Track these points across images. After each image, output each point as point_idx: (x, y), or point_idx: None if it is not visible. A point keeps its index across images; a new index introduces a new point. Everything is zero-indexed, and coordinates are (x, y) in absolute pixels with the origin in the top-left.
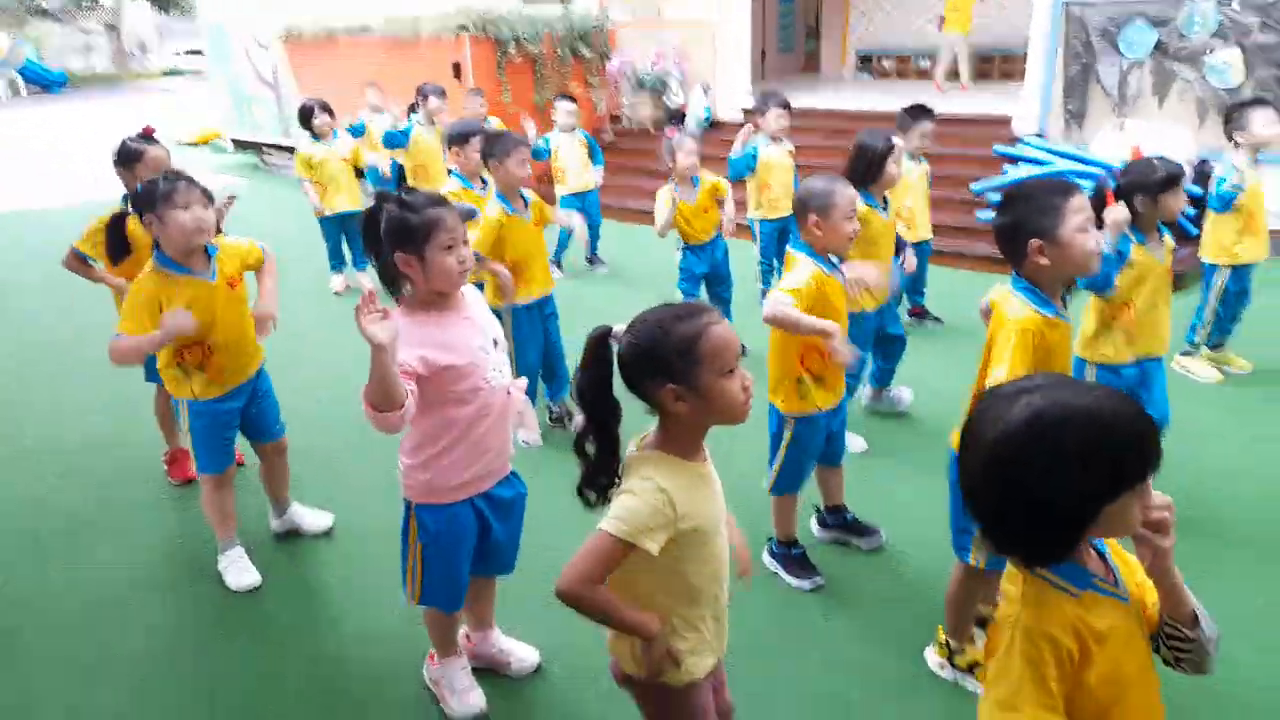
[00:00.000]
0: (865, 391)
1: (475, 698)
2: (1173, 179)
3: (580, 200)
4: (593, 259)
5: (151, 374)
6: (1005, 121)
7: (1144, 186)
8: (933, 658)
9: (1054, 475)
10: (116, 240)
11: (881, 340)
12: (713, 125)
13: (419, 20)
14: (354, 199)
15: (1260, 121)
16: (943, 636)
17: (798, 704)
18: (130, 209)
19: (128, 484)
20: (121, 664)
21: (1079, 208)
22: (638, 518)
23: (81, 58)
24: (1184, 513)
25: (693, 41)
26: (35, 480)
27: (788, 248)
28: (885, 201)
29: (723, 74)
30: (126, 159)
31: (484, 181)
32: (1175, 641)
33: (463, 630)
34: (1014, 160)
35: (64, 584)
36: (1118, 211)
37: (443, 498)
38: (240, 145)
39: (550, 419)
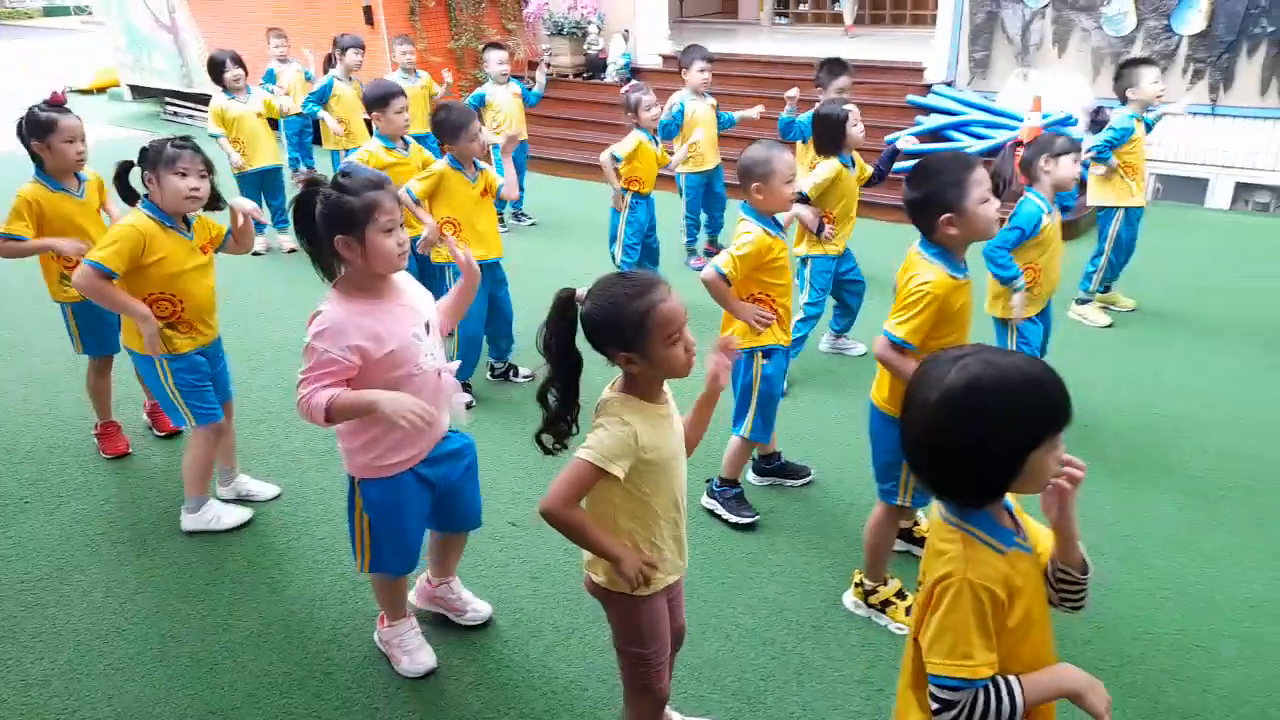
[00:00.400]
0: (826, 336)
1: (425, 656)
2: (1071, 146)
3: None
4: (519, 214)
5: (90, 346)
6: (918, 70)
7: (1044, 147)
8: (849, 599)
9: (987, 430)
10: (126, 188)
11: (841, 284)
12: (633, 72)
13: None
14: (273, 154)
15: (1148, 79)
16: (858, 577)
17: (724, 641)
18: (38, 175)
19: (57, 459)
20: (69, 633)
21: (980, 180)
22: (608, 447)
23: None
24: (1082, 430)
25: None
26: None
27: (739, 212)
28: (854, 161)
29: (641, 19)
30: (38, 130)
31: (405, 142)
32: (1064, 585)
33: (424, 575)
34: (927, 110)
35: (1, 561)
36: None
37: (384, 472)
38: (138, 92)
39: (492, 374)
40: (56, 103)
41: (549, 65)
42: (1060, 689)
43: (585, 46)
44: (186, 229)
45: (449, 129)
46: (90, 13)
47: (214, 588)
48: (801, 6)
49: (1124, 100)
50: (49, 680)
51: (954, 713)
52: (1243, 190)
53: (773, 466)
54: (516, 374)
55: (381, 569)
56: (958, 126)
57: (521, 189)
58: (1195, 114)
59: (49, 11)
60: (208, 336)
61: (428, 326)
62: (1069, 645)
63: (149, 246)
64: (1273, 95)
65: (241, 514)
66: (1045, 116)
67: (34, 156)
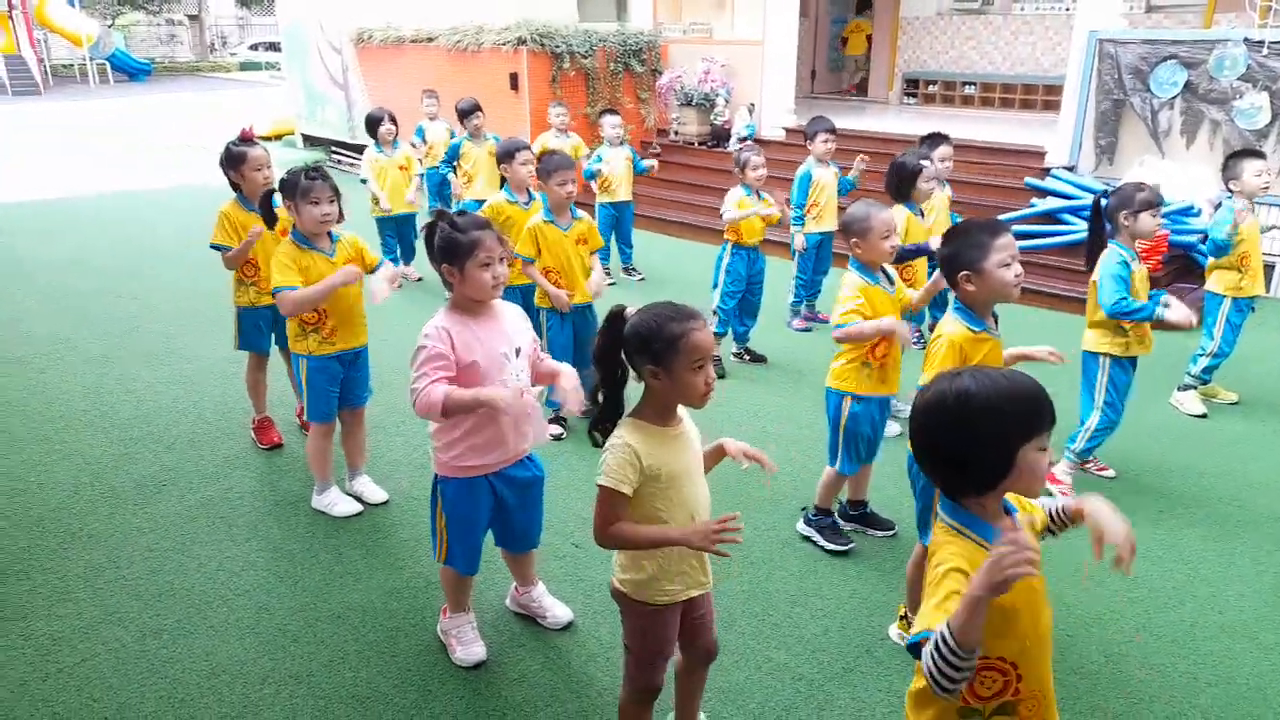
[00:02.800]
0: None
1: (478, 649)
2: (1153, 201)
3: (616, 210)
4: (629, 269)
5: (245, 343)
6: (1040, 153)
7: (1126, 202)
8: (893, 630)
9: (973, 430)
10: (268, 213)
11: None
12: (756, 143)
13: (481, 31)
14: (406, 203)
15: (1251, 171)
16: (902, 610)
17: (754, 672)
18: (238, 199)
19: (196, 451)
20: (182, 596)
21: (1004, 245)
22: (612, 469)
23: (165, 47)
24: (1160, 508)
25: (741, 60)
26: (116, 443)
27: (848, 267)
28: (923, 212)
29: (768, 93)
30: (231, 161)
31: (530, 195)
32: (940, 649)
33: (514, 584)
34: (1044, 194)
35: (135, 530)
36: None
37: (460, 473)
38: (310, 141)
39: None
40: (246, 138)
41: (658, 153)
42: (972, 598)
43: (712, 117)
44: (330, 246)
45: (545, 167)
46: (279, 68)
47: (307, 572)
48: (930, 88)
49: (1230, 193)
50: (160, 633)
51: (923, 661)
52: None
53: (857, 514)
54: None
55: (452, 563)
56: (1072, 210)
57: (630, 246)
58: None
59: (244, 66)
60: (348, 344)
61: (518, 351)
62: (1095, 716)
63: (298, 266)
64: None
65: (352, 507)
66: (1164, 204)
67: (233, 185)
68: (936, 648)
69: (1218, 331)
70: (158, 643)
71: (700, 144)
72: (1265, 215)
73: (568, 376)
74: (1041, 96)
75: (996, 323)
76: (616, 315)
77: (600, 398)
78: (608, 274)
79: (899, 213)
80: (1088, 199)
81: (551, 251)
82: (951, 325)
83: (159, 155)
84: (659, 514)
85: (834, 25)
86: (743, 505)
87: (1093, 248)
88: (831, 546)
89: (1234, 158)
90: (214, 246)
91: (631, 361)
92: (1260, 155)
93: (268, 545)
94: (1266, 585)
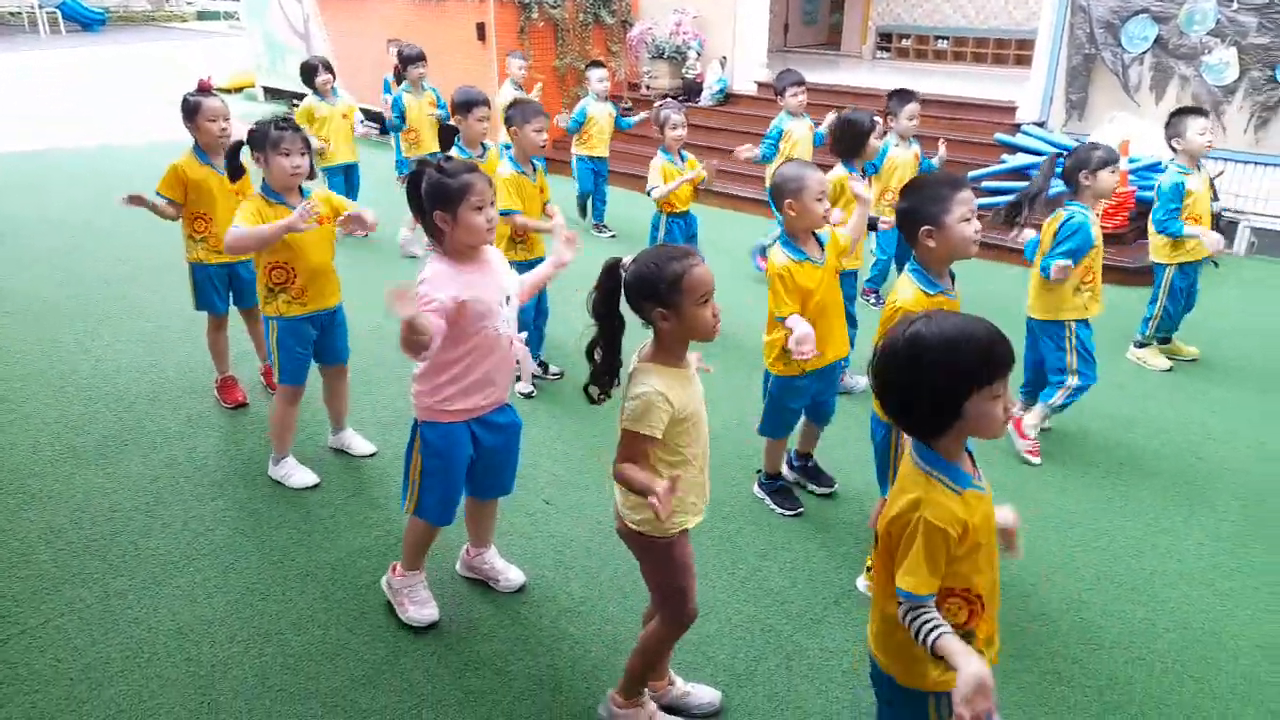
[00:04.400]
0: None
1: (431, 610)
2: (1110, 159)
3: (594, 164)
4: (600, 226)
5: (201, 301)
6: (1011, 109)
7: (1084, 162)
8: (861, 582)
9: (925, 373)
10: (234, 164)
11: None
12: (727, 98)
13: None
14: (352, 153)
15: (1195, 130)
16: (869, 562)
17: (725, 624)
18: (195, 150)
19: (159, 410)
20: (147, 556)
21: (964, 200)
22: (645, 414)
23: None
24: (1120, 460)
25: (714, 13)
26: (75, 403)
27: (776, 245)
28: (864, 172)
29: (740, 47)
30: (187, 112)
31: (484, 148)
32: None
33: (465, 545)
34: (1014, 150)
35: (97, 490)
36: None
37: (443, 418)
38: (271, 94)
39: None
40: (204, 89)
41: (629, 108)
42: (954, 664)
43: (684, 71)
44: (300, 202)
45: (521, 112)
46: (238, 18)
47: (276, 530)
48: (904, 42)
49: (1174, 150)
50: (125, 594)
51: (900, 612)
52: None
53: (799, 465)
54: (547, 371)
55: (423, 514)
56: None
57: (604, 203)
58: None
59: (202, 16)
60: (320, 304)
61: (508, 298)
62: (1057, 661)
63: (262, 217)
64: None
65: (308, 479)
66: (1133, 160)
67: (193, 136)
68: (915, 619)
69: (1163, 294)
70: (123, 603)
71: (672, 98)
72: (1240, 173)
73: (519, 339)
74: (1014, 51)
75: (954, 281)
76: (613, 266)
77: (598, 354)
78: (607, 229)
79: (836, 173)
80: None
81: (527, 204)
82: (906, 291)
83: (116, 108)
84: (682, 449)
85: None
86: (712, 460)
87: (1029, 198)
88: (781, 511)
89: (1177, 115)
90: (159, 194)
91: (639, 308)
92: (1204, 113)
93: (234, 504)
94: (1224, 534)
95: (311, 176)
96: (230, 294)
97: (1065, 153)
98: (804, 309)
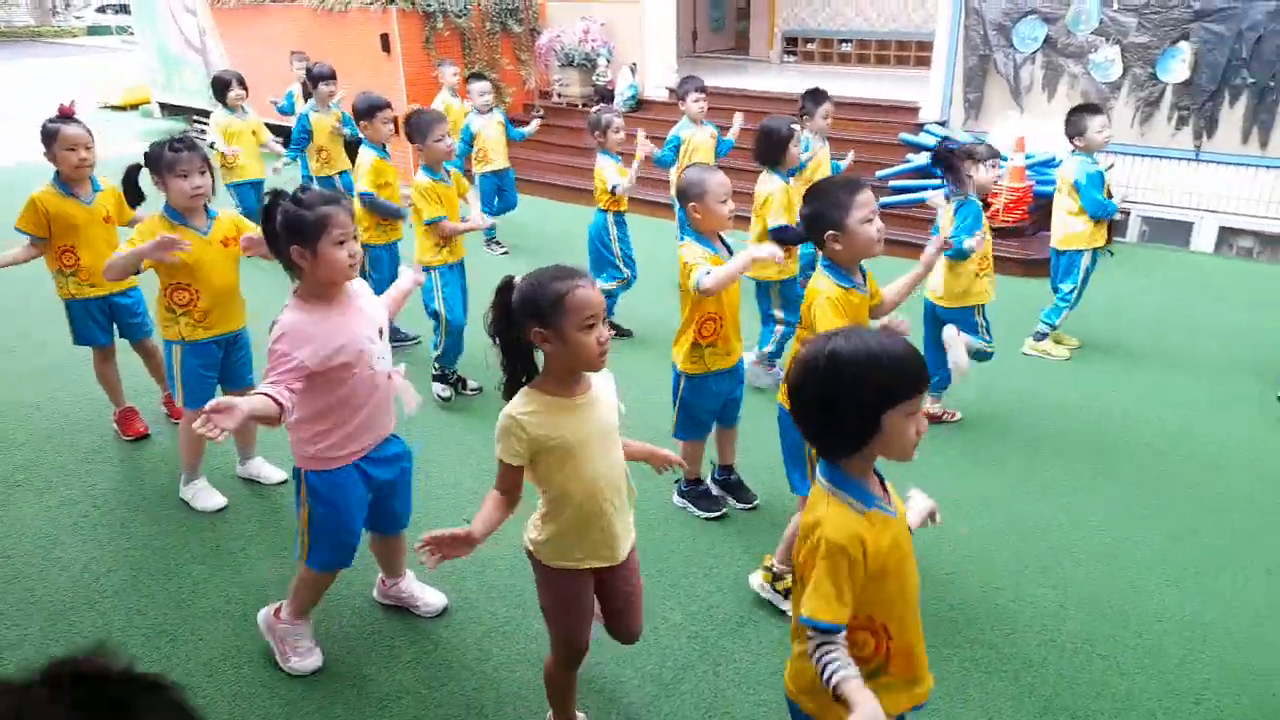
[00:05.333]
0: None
1: (315, 658)
2: (995, 152)
3: (499, 179)
4: (492, 241)
5: (80, 337)
6: (913, 109)
7: (972, 153)
8: (755, 579)
9: (842, 390)
10: (133, 190)
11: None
12: (639, 104)
13: None
14: (261, 169)
15: (1095, 127)
16: (768, 561)
17: (651, 633)
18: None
19: (52, 447)
20: (44, 604)
21: (864, 203)
22: (499, 438)
23: (1, 11)
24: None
25: (621, 20)
26: None
27: (681, 238)
28: (790, 175)
29: (649, 53)
30: (45, 139)
31: (446, 169)
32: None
33: (380, 575)
34: (918, 149)
35: None
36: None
37: (329, 464)
38: (168, 109)
39: (443, 380)
40: (65, 114)
41: (542, 116)
42: (852, 705)
43: (594, 78)
44: (206, 223)
45: (421, 126)
46: (132, 33)
47: (182, 567)
48: (809, 45)
49: (1074, 147)
50: (20, 645)
51: (809, 648)
52: (1227, 234)
53: (722, 480)
54: (465, 386)
55: (316, 563)
56: None
57: (509, 210)
58: (1172, 158)
59: (92, 31)
60: (225, 327)
61: (380, 331)
62: (976, 649)
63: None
64: (1254, 143)
65: (216, 501)
66: (1029, 156)
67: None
68: (820, 652)
69: (1080, 283)
70: (17, 654)
71: (584, 105)
72: (1127, 165)
73: (397, 373)
74: (914, 53)
75: (865, 278)
76: (505, 286)
77: (507, 366)
78: (500, 245)
79: (773, 183)
80: None
81: (447, 208)
82: (823, 283)
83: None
84: (555, 482)
85: None
86: (633, 468)
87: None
88: (705, 515)
89: (1076, 113)
90: (18, 229)
91: (522, 327)
92: (1100, 110)
93: (137, 543)
94: (1128, 511)
95: (213, 194)
96: (113, 326)
97: (945, 145)
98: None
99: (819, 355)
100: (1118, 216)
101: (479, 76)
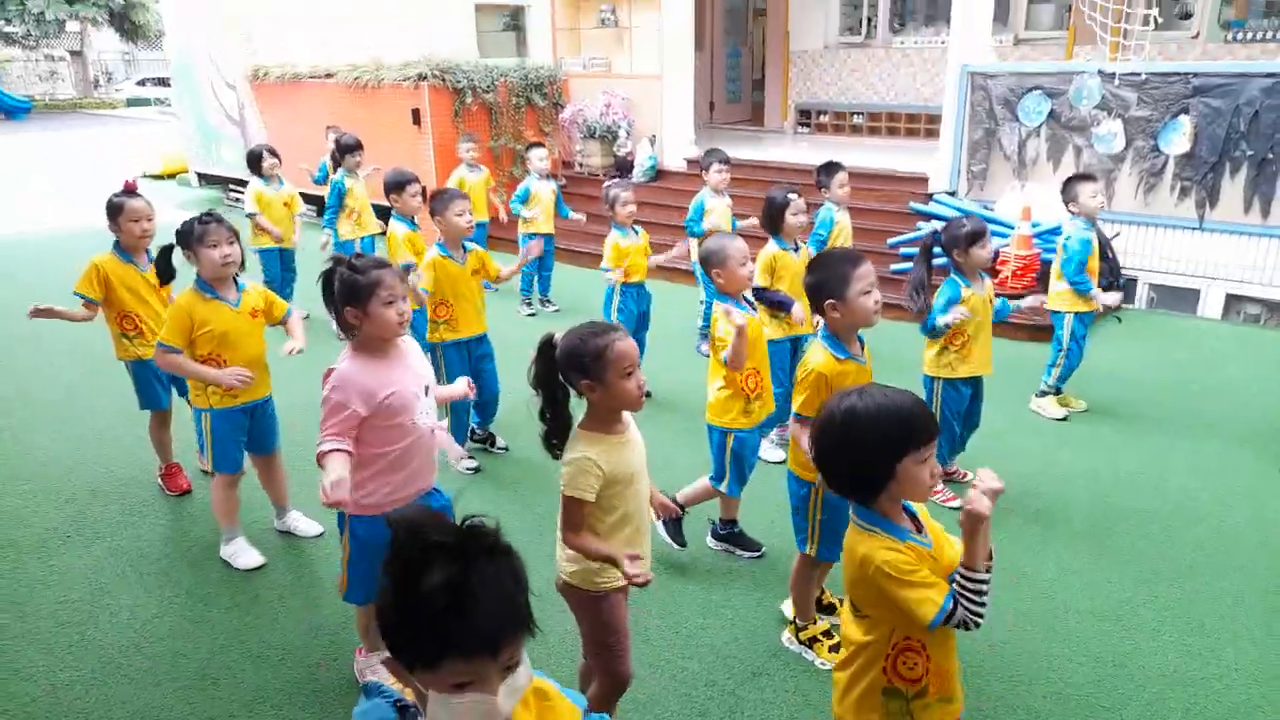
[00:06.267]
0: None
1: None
2: (977, 234)
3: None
4: (545, 300)
5: (147, 402)
6: (923, 179)
7: (955, 241)
8: (785, 636)
9: (859, 443)
10: (165, 267)
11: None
12: (658, 174)
13: (380, 68)
14: (289, 236)
15: (1087, 194)
16: (792, 615)
17: (670, 681)
18: (115, 249)
19: (100, 502)
20: (94, 647)
21: (864, 275)
22: (576, 479)
23: (46, 84)
24: (1034, 508)
25: (641, 94)
26: (13, 497)
27: (714, 302)
28: (796, 245)
29: (669, 126)
30: (110, 212)
31: (464, 248)
32: (964, 590)
33: None
34: (928, 217)
35: (39, 583)
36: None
37: (368, 511)
38: (205, 179)
39: (471, 438)
40: (129, 189)
41: (564, 184)
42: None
43: (615, 149)
44: (236, 296)
45: (441, 201)
46: (169, 105)
47: (224, 614)
48: (822, 118)
49: (1071, 214)
50: (73, 685)
51: (958, 620)
52: (1233, 302)
53: (726, 533)
54: (494, 444)
55: (352, 598)
56: None
57: (549, 275)
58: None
59: (131, 103)
60: (253, 396)
61: (427, 389)
62: (981, 699)
63: (196, 319)
64: (1255, 213)
65: (254, 559)
66: (1035, 225)
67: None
68: (962, 596)
69: (1066, 342)
70: (70, 694)
71: (605, 175)
72: (1133, 234)
73: (440, 429)
74: (924, 125)
75: (863, 348)
76: (547, 343)
77: (547, 416)
78: (529, 304)
79: (768, 247)
80: None
81: (452, 286)
82: (818, 355)
83: (49, 198)
84: (616, 509)
85: (730, 58)
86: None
87: (918, 285)
88: (750, 555)
89: (1070, 182)
90: (77, 294)
91: (569, 380)
92: (1093, 178)
93: (181, 591)
94: (1131, 572)
95: (242, 264)
96: (173, 386)
97: (939, 233)
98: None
99: (837, 413)
100: (1098, 298)
101: (537, 145)
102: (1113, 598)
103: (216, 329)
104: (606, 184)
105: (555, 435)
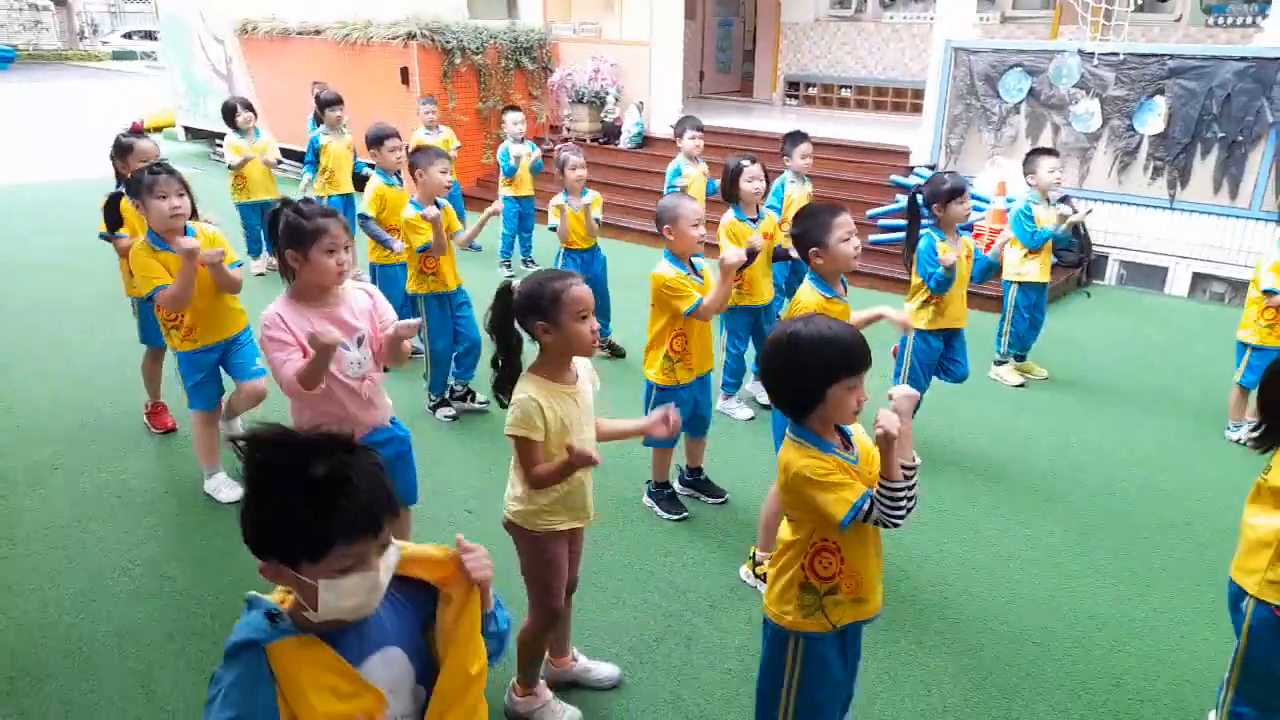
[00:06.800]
0: (751, 379)
1: None
2: (956, 190)
3: (519, 204)
4: (528, 260)
5: (146, 337)
6: (905, 152)
7: (935, 195)
8: (743, 571)
9: (795, 366)
10: (113, 215)
11: (758, 335)
12: (645, 140)
13: (370, 25)
14: (270, 190)
15: (1045, 168)
16: (752, 550)
17: (630, 612)
18: (124, 191)
19: (87, 436)
20: (81, 569)
21: (843, 224)
22: (521, 421)
23: (29, 34)
24: (989, 470)
25: (630, 61)
26: (3, 432)
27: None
28: (757, 215)
29: (657, 93)
30: (119, 152)
31: (399, 176)
32: (883, 497)
33: None
34: (905, 189)
35: (28, 512)
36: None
37: None
38: (192, 133)
39: (451, 395)
40: (136, 130)
41: (548, 151)
42: (893, 465)
43: (603, 114)
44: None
45: (425, 157)
46: (156, 59)
47: (207, 540)
48: (810, 90)
49: (1028, 185)
50: (62, 601)
51: (875, 518)
52: (1200, 280)
53: (692, 480)
54: (474, 398)
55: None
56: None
57: (530, 235)
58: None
59: (117, 56)
60: (215, 338)
61: (360, 340)
62: (922, 634)
63: (159, 262)
64: (1224, 194)
65: (237, 494)
66: (1009, 200)
67: (118, 175)
68: (880, 501)
69: (1010, 312)
70: (60, 610)
71: (592, 140)
72: (1106, 211)
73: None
74: (910, 100)
75: (845, 289)
76: (505, 289)
77: (499, 363)
78: (508, 265)
79: (725, 216)
80: None
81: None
82: (808, 293)
83: (33, 147)
84: (553, 453)
85: (721, 28)
86: (622, 472)
87: (911, 238)
88: (668, 516)
89: (1031, 155)
90: (102, 236)
91: (525, 324)
92: (1053, 153)
93: (166, 519)
94: (1075, 525)
95: (194, 216)
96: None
97: (921, 189)
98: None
99: (783, 335)
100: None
101: (513, 109)
102: (1056, 548)
103: (167, 280)
104: (558, 147)
105: (505, 383)
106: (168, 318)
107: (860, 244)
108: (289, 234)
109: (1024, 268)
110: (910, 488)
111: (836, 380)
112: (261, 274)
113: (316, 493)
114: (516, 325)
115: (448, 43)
